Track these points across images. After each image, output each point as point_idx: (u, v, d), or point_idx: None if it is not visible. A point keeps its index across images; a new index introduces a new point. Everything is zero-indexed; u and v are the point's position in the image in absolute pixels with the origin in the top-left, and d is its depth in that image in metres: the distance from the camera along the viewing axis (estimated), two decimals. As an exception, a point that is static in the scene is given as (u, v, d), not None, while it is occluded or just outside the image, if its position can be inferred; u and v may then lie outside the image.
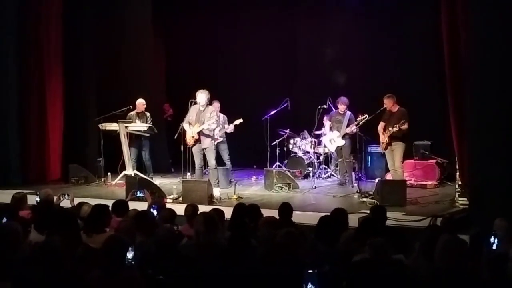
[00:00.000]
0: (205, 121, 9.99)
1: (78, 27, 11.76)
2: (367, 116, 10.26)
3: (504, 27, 7.20)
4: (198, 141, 10.13)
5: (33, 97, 11.43)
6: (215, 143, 10.71)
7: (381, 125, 9.95)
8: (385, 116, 9.92)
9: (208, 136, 10.13)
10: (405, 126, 9.61)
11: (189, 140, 10.14)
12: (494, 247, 4.54)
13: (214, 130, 10.28)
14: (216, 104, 11.11)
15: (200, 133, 10.08)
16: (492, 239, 4.62)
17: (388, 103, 9.80)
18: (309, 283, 3.52)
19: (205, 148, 10.14)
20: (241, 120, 11.24)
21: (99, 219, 5.72)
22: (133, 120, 11.21)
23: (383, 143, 9.94)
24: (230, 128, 11.39)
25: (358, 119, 10.42)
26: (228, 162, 11.44)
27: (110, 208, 6.54)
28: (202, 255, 4.50)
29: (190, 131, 10.09)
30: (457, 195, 8.68)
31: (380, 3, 12.19)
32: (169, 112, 13.44)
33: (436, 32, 9.79)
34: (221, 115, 11.26)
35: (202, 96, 10.05)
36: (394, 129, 9.62)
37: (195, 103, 10.12)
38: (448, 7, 8.81)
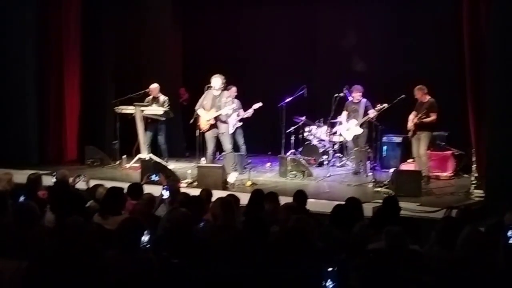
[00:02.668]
0: (222, 106, 9.98)
1: (97, 10, 11.75)
2: (386, 104, 10.21)
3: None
4: (213, 126, 10.13)
5: (51, 78, 11.49)
6: (233, 129, 10.71)
7: (413, 113, 9.94)
8: (417, 106, 9.92)
9: (224, 121, 10.13)
10: (430, 118, 9.65)
11: (204, 125, 10.13)
12: (511, 241, 4.49)
13: (231, 115, 10.27)
14: (233, 89, 11.05)
15: (216, 118, 10.08)
16: (509, 233, 4.58)
17: (417, 94, 9.81)
18: (329, 280, 3.50)
19: (222, 133, 10.14)
20: (260, 104, 11.10)
21: (114, 201, 5.74)
22: (150, 104, 11.22)
23: (409, 130, 9.95)
24: (249, 112, 11.25)
25: (377, 108, 10.36)
26: (243, 147, 11.39)
27: (125, 191, 6.61)
28: (218, 239, 4.51)
29: (207, 115, 10.09)
30: (472, 187, 8.62)
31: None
32: (184, 97, 13.43)
33: (456, 19, 9.71)
34: (236, 100, 11.14)
35: (217, 80, 10.04)
36: (416, 120, 9.70)
37: (210, 88, 10.11)
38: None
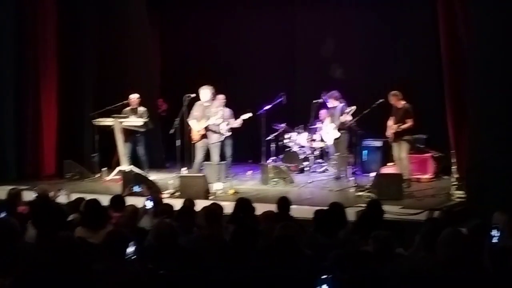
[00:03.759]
0: (211, 116, 10.00)
1: (73, 23, 11.65)
2: (355, 107, 10.31)
3: (503, 16, 7.20)
4: (204, 136, 10.14)
5: (28, 91, 11.34)
6: (223, 138, 10.65)
7: (390, 119, 10.02)
8: (393, 111, 10.02)
9: (215, 131, 10.16)
10: (407, 124, 9.76)
11: (195, 136, 10.15)
12: (495, 240, 4.53)
13: (220, 125, 10.26)
14: (221, 96, 10.87)
15: (207, 128, 10.10)
16: (493, 233, 4.61)
17: (392, 100, 9.91)
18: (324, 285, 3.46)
19: (213, 144, 10.16)
20: (250, 114, 10.75)
21: (95, 214, 5.67)
22: (128, 115, 11.15)
23: (389, 136, 10.07)
24: (237, 123, 10.80)
25: (346, 111, 10.43)
26: (229, 159, 11.20)
27: (108, 203, 6.56)
28: (203, 249, 4.48)
29: (197, 126, 10.10)
30: (453, 188, 8.69)
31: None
32: (163, 107, 13.38)
33: (434, 23, 9.82)
34: (227, 109, 10.89)
35: (206, 92, 10.11)
36: (396, 128, 9.81)
37: (192, 98, 10.11)
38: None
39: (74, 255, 3.90)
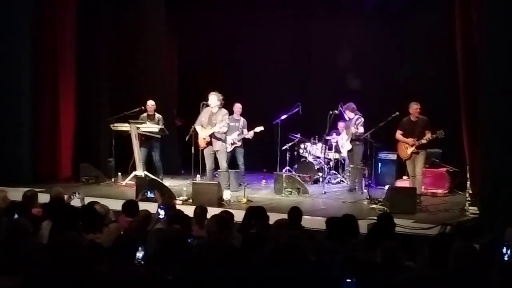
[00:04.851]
0: (217, 123, 10.03)
1: (92, 28, 11.78)
2: (363, 119, 10.40)
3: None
4: (210, 143, 10.17)
5: (46, 95, 11.47)
6: (233, 147, 10.76)
7: (400, 133, 9.87)
8: (404, 125, 9.85)
9: (219, 139, 10.17)
10: (428, 137, 9.62)
11: (201, 142, 10.20)
12: (506, 258, 4.49)
13: (225, 133, 10.30)
14: (237, 105, 11.13)
15: (211, 135, 10.13)
16: (504, 250, 4.58)
17: (414, 111, 9.71)
18: None
19: (217, 151, 10.19)
20: (262, 128, 11.03)
21: (92, 218, 5.75)
22: (144, 122, 11.24)
23: (407, 151, 9.81)
24: (249, 134, 11.15)
25: (357, 122, 10.41)
26: (242, 166, 11.33)
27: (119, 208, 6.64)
28: (213, 255, 4.50)
29: (203, 133, 10.14)
30: (467, 204, 8.63)
31: (395, 7, 12.12)
32: (178, 124, 13.33)
33: (450, 38, 9.76)
34: (242, 119, 11.21)
35: (213, 98, 10.12)
36: (423, 141, 9.60)
37: (207, 105, 10.16)
38: (461, 12, 8.81)
39: (81, 256, 3.95)
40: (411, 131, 9.74)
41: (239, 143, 11.20)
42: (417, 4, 11.87)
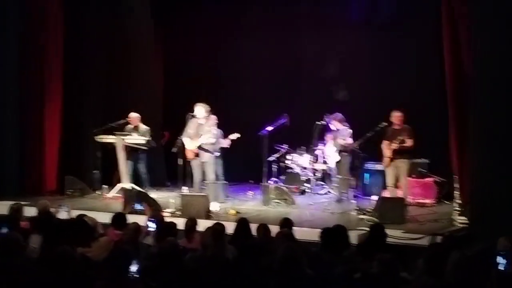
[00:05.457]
0: (204, 134, 9.98)
1: (78, 39, 11.71)
2: (351, 130, 10.41)
3: (508, 38, 7.23)
4: (197, 155, 10.12)
5: (31, 108, 11.35)
6: (215, 157, 10.74)
7: (384, 143, 9.95)
8: (389, 134, 9.92)
9: (207, 150, 10.13)
10: (409, 143, 9.66)
11: (189, 154, 10.14)
12: (501, 267, 4.49)
13: (213, 144, 10.26)
14: (212, 117, 11.03)
15: (199, 147, 10.08)
16: (498, 259, 4.58)
17: (396, 119, 9.82)
18: None
19: (205, 162, 10.13)
20: (238, 135, 11.10)
21: (83, 231, 5.68)
22: (130, 133, 11.15)
23: (386, 158, 9.93)
24: (226, 143, 11.25)
25: (344, 134, 10.43)
26: (222, 178, 11.31)
27: (110, 220, 6.56)
28: (208, 268, 4.45)
29: (191, 145, 10.09)
30: (455, 214, 8.65)
31: (382, 19, 12.22)
32: (165, 138, 13.22)
33: (438, 48, 9.81)
34: (217, 129, 11.20)
35: (200, 109, 10.09)
36: (398, 145, 9.65)
37: (193, 116, 10.12)
38: (448, 22, 8.87)
39: (74, 270, 3.87)
40: (394, 140, 9.78)
41: (218, 153, 11.08)
42: (403, 16, 11.98)
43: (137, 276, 4.27)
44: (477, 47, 7.61)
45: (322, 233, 5.67)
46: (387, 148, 9.87)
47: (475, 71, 7.69)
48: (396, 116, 9.83)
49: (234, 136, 11.12)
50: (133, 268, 4.30)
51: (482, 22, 7.51)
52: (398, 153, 9.78)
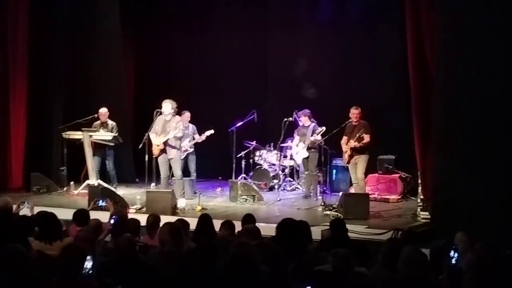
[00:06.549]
0: (170, 131, 9.95)
1: (45, 33, 11.56)
2: (325, 128, 10.39)
3: (469, 37, 7.34)
4: (163, 151, 10.09)
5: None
6: (185, 154, 10.74)
7: (344, 139, 10.10)
8: (348, 130, 10.05)
9: (173, 146, 10.09)
10: (366, 140, 9.77)
11: (155, 150, 10.10)
12: (454, 261, 4.55)
13: (180, 140, 10.25)
14: (187, 114, 11.11)
15: (165, 143, 10.05)
16: (452, 253, 4.64)
17: (354, 115, 9.96)
18: None
19: (171, 159, 10.11)
20: (212, 131, 11.13)
21: (50, 226, 5.61)
22: (97, 129, 11.08)
23: (345, 156, 10.05)
24: (201, 138, 11.24)
25: (317, 131, 10.51)
26: (194, 174, 11.38)
27: (72, 216, 6.51)
28: (166, 265, 4.44)
29: (157, 140, 10.05)
30: (419, 209, 8.75)
31: (350, 19, 12.45)
32: None
33: (403, 47, 9.93)
34: (191, 125, 11.27)
35: (167, 105, 10.05)
36: (354, 142, 9.82)
37: (161, 113, 10.08)
38: (414, 24, 8.98)
39: (22, 268, 3.83)
40: (352, 136, 9.95)
41: (191, 149, 11.24)
42: (369, 16, 12.19)
43: (92, 272, 4.23)
44: (439, 48, 7.70)
45: (277, 228, 5.70)
46: (345, 145, 10.01)
47: (437, 71, 7.79)
48: (353, 113, 10.01)
49: (209, 132, 11.17)
50: (88, 264, 4.26)
51: (445, 24, 7.61)
52: (356, 150, 9.91)
